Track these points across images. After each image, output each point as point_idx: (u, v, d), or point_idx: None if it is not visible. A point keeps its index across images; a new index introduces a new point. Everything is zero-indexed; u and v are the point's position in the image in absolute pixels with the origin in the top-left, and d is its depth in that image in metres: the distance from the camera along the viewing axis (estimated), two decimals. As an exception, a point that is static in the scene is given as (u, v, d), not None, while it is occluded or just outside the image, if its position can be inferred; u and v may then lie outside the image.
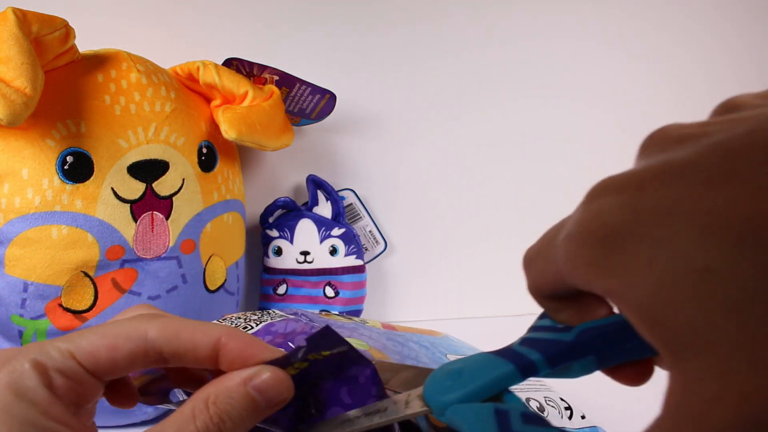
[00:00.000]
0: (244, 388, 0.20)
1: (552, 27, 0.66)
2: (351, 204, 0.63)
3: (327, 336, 0.20)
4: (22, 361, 0.19)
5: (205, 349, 0.20)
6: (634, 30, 0.68)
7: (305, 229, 0.57)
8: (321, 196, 0.58)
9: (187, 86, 0.48)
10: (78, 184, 0.39)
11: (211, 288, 0.47)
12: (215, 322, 0.22)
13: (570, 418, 0.39)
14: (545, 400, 0.39)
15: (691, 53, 0.70)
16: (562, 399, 0.40)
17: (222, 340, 0.20)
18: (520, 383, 0.31)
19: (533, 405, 0.37)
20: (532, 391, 0.39)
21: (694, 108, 0.73)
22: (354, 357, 0.21)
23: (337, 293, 0.57)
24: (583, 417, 0.40)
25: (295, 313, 0.36)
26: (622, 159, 0.78)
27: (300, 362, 0.21)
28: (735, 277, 0.11)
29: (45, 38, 0.37)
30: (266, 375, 0.20)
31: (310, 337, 0.20)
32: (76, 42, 0.41)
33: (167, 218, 0.43)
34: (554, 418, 0.38)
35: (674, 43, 0.70)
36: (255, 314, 0.35)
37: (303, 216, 0.57)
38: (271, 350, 0.21)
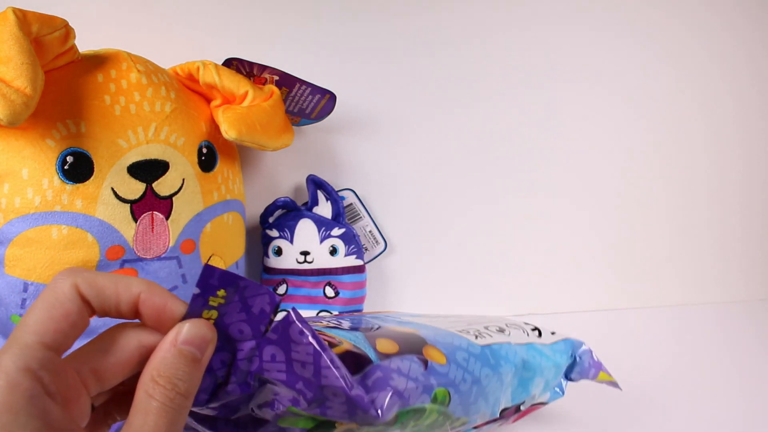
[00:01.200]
0: (175, 348, 0.21)
1: (554, 20, 0.66)
2: (351, 204, 0.63)
3: (211, 274, 0.22)
4: (8, 366, 0.19)
5: (126, 303, 0.22)
6: (637, 17, 0.68)
7: (305, 229, 0.57)
8: (321, 196, 0.58)
9: (187, 86, 0.48)
10: (78, 184, 0.39)
11: (211, 288, 0.47)
12: (138, 278, 0.23)
13: (539, 336, 0.39)
14: (506, 324, 0.39)
15: (698, 39, 0.70)
16: (526, 323, 0.40)
17: (141, 296, 0.22)
18: (483, 319, 0.33)
19: (492, 328, 0.37)
20: (493, 322, 0.39)
21: (714, 113, 0.73)
22: (253, 288, 0.23)
23: (337, 293, 0.57)
24: (553, 333, 0.40)
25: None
26: (632, 158, 0.78)
27: (207, 311, 0.22)
28: None
29: (45, 38, 0.37)
30: (186, 327, 0.21)
31: (198, 280, 0.22)
32: (76, 42, 0.41)
33: (167, 218, 0.43)
34: (517, 336, 0.37)
35: (681, 29, 0.69)
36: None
37: (303, 216, 0.57)
38: (183, 303, 0.22)
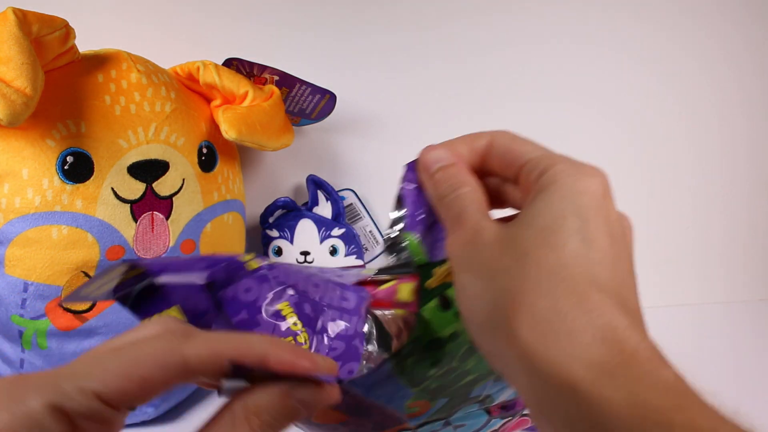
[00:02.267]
0: (289, 401, 0.19)
1: (554, 30, 0.66)
2: (351, 204, 0.63)
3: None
4: (33, 401, 0.16)
5: (251, 366, 0.19)
6: (641, 35, 0.68)
7: (305, 229, 0.57)
8: (321, 196, 0.58)
9: (187, 86, 0.48)
10: (78, 184, 0.39)
11: (211, 288, 0.47)
12: (259, 334, 0.20)
13: None
14: None
15: (694, 57, 0.70)
16: None
17: (269, 358, 0.19)
18: None
19: None
20: None
21: (695, 110, 0.73)
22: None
23: (337, 293, 0.57)
24: None
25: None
26: (621, 162, 0.78)
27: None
28: None
29: (45, 38, 0.37)
30: (305, 391, 0.19)
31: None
32: (76, 42, 0.41)
33: (167, 218, 0.43)
34: None
35: (676, 46, 0.70)
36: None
37: (303, 216, 0.57)
38: (317, 361, 0.19)
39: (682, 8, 0.69)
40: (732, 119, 0.73)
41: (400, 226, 0.25)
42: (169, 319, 0.20)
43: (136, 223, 0.41)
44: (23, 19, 0.35)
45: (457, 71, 0.64)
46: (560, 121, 0.68)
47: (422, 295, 0.26)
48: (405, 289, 0.28)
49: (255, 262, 0.28)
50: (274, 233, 0.58)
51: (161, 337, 0.18)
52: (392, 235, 0.26)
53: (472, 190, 0.23)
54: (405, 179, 0.26)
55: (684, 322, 0.71)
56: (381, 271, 0.27)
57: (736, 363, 0.59)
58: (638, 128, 0.71)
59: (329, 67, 0.61)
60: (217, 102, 0.48)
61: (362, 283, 0.29)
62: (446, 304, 0.26)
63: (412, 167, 0.26)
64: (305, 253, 0.57)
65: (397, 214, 0.26)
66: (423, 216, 0.26)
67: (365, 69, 0.62)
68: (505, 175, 0.24)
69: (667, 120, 0.72)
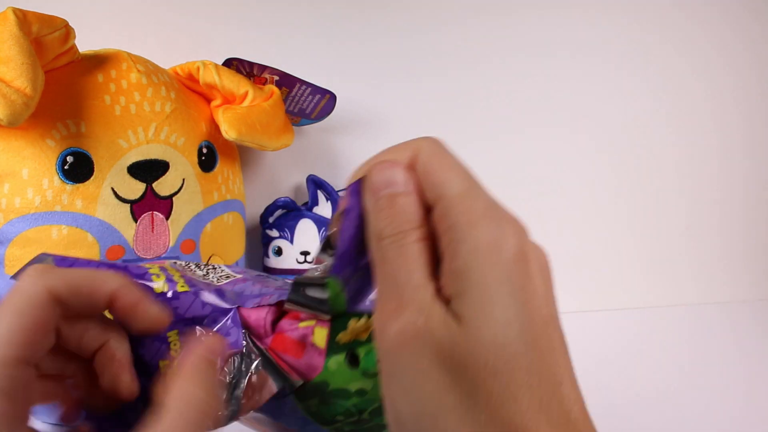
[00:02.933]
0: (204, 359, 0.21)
1: (555, 39, 0.66)
2: (351, 204, 0.63)
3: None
4: None
5: (102, 299, 0.21)
6: (639, 38, 0.68)
7: (305, 229, 0.57)
8: (321, 196, 0.58)
9: (187, 86, 0.48)
10: (78, 184, 0.39)
11: (211, 288, 0.47)
12: (112, 273, 0.22)
13: None
14: None
15: (690, 57, 0.71)
16: None
17: (118, 292, 0.21)
18: None
19: None
20: None
21: (693, 111, 0.73)
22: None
23: (337, 293, 0.57)
24: None
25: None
26: (619, 163, 0.78)
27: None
28: None
29: (45, 38, 0.37)
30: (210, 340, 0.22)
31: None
32: (76, 42, 0.41)
33: (167, 218, 0.43)
34: None
35: (673, 47, 0.70)
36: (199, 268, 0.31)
37: (303, 216, 0.57)
38: (157, 307, 0.22)
39: (679, 10, 0.69)
40: (729, 119, 0.74)
41: (326, 263, 0.22)
42: (31, 267, 0.21)
43: (136, 223, 0.41)
44: (23, 19, 0.35)
45: (457, 72, 0.64)
46: (560, 122, 0.68)
47: (331, 346, 0.24)
48: (319, 334, 0.25)
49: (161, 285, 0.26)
50: (274, 233, 0.58)
51: (30, 284, 0.20)
52: (313, 274, 0.22)
53: (420, 245, 0.19)
54: (348, 201, 0.21)
55: (684, 322, 0.71)
56: (297, 301, 0.23)
57: (737, 363, 0.59)
58: (635, 129, 0.71)
59: (329, 67, 0.61)
60: (217, 102, 0.48)
61: (280, 307, 0.26)
62: (354, 361, 0.25)
63: (357, 188, 0.21)
64: (305, 253, 0.57)
65: (323, 248, 0.22)
66: (353, 251, 0.21)
67: (365, 69, 0.62)
68: (422, 197, 0.20)
69: (666, 120, 0.72)
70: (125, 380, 0.22)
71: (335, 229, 0.21)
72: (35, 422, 0.21)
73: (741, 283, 0.78)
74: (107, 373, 0.22)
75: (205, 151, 0.46)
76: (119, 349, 0.22)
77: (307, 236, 0.57)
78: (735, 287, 0.78)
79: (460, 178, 0.19)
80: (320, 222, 0.57)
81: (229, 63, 0.50)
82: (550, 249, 0.76)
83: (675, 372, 0.56)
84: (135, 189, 0.41)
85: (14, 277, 0.21)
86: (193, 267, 0.29)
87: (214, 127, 0.47)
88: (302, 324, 0.25)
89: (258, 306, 0.25)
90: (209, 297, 0.26)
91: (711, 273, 0.77)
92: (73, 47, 0.41)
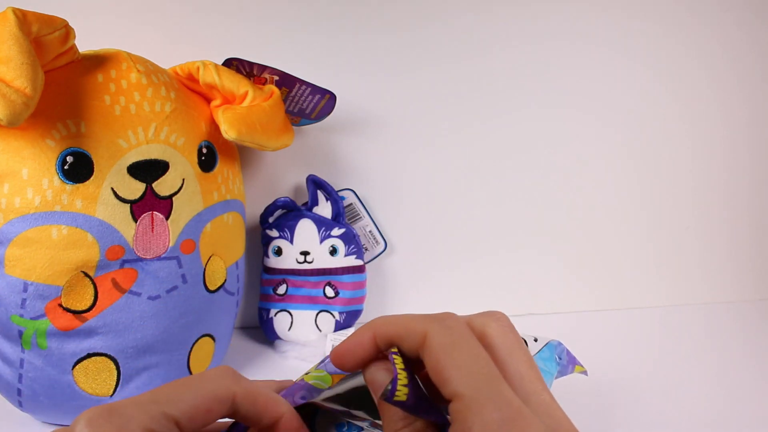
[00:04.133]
0: None
1: (556, 31, 0.66)
2: (351, 204, 0.63)
3: None
4: (134, 427, 0.19)
5: (270, 419, 0.23)
6: (643, 35, 0.68)
7: (305, 229, 0.57)
8: (321, 196, 0.58)
9: (187, 86, 0.48)
10: (78, 184, 0.39)
11: (211, 288, 0.47)
12: (282, 398, 0.25)
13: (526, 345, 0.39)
14: None
15: (694, 55, 0.70)
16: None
17: (284, 416, 0.23)
18: None
19: None
20: None
21: (697, 109, 0.73)
22: None
23: (337, 293, 0.57)
24: (535, 340, 0.41)
25: None
26: (623, 162, 0.78)
27: None
28: None
29: (45, 38, 0.37)
30: None
31: None
32: (76, 42, 0.41)
33: (167, 218, 0.43)
34: None
35: (677, 45, 0.70)
36: None
37: (303, 216, 0.57)
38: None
39: (684, 7, 0.69)
40: (734, 118, 0.73)
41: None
42: (227, 367, 0.24)
43: (136, 223, 0.41)
44: (23, 19, 0.35)
45: (458, 72, 0.64)
46: (561, 120, 0.68)
47: None
48: None
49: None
50: (274, 233, 0.58)
51: (221, 377, 0.23)
52: None
53: None
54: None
55: (688, 322, 0.71)
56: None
57: (741, 362, 0.59)
58: (640, 128, 0.71)
59: (329, 67, 0.61)
60: (217, 102, 0.48)
61: None
62: None
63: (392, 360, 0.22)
64: (305, 253, 0.57)
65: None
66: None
67: (365, 69, 0.62)
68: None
69: (669, 119, 0.72)
70: None
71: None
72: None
73: (745, 282, 0.78)
74: None
75: (205, 151, 0.46)
76: (291, 424, 0.24)
77: (306, 236, 0.57)
78: (741, 287, 0.78)
79: (472, 378, 0.19)
80: (320, 222, 0.57)
81: (229, 63, 0.50)
82: (547, 249, 0.76)
83: (682, 371, 0.56)
84: (135, 189, 0.41)
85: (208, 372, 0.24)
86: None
87: (214, 127, 0.47)
88: None
89: None
90: None
91: (715, 273, 0.77)
92: (73, 47, 0.41)
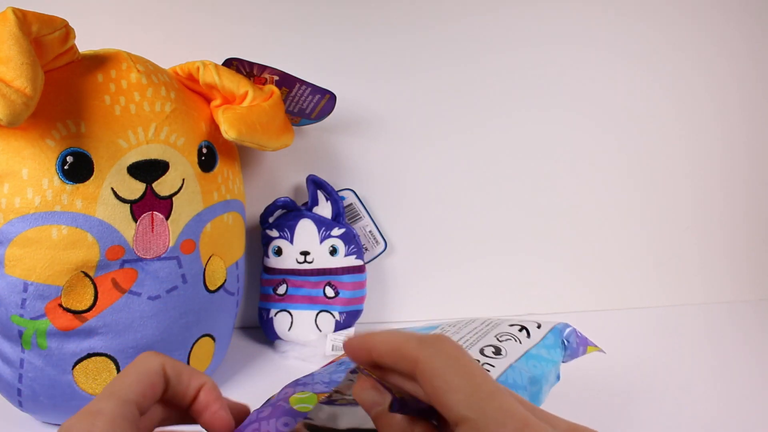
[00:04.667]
0: None
1: (557, 34, 0.66)
2: (351, 204, 0.63)
3: None
4: (114, 413, 0.22)
5: (192, 390, 0.26)
6: (640, 36, 0.68)
7: (305, 229, 0.57)
8: (321, 196, 0.58)
9: (187, 86, 0.48)
10: (78, 184, 0.39)
11: (211, 288, 0.47)
12: (202, 372, 0.28)
13: (528, 335, 0.39)
14: (497, 338, 0.39)
15: (692, 56, 0.71)
16: (511, 325, 0.40)
17: (204, 387, 0.27)
18: (471, 332, 0.33)
19: (488, 351, 0.37)
20: (482, 336, 0.39)
21: (694, 110, 0.73)
22: None
23: (337, 293, 0.57)
24: (539, 326, 0.40)
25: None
26: (622, 163, 0.78)
27: None
28: None
29: (45, 38, 0.37)
30: None
31: None
32: (76, 42, 0.41)
33: (167, 218, 0.43)
34: (513, 350, 0.38)
35: (675, 46, 0.70)
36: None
37: (303, 216, 0.57)
38: (225, 413, 0.27)
39: (681, 8, 0.69)
40: (731, 118, 0.74)
41: None
42: (148, 351, 0.27)
43: (136, 223, 0.41)
44: (23, 19, 0.35)
45: (458, 72, 0.64)
46: (560, 122, 0.68)
47: None
48: None
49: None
50: (274, 233, 0.58)
51: (148, 356, 0.26)
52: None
53: None
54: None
55: (687, 322, 0.71)
56: None
57: (739, 362, 0.59)
58: (639, 129, 0.71)
59: (329, 67, 0.61)
60: (217, 102, 0.48)
61: None
62: None
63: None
64: (305, 253, 0.57)
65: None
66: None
67: (365, 69, 0.62)
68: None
69: (668, 121, 0.72)
70: (222, 416, 0.26)
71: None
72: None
73: (745, 282, 0.78)
74: (205, 415, 0.27)
75: (205, 151, 0.46)
76: (212, 392, 0.27)
77: (306, 236, 0.57)
78: (739, 287, 0.78)
79: (473, 399, 0.20)
80: (320, 222, 0.57)
81: (229, 63, 0.50)
82: (547, 250, 0.76)
83: (681, 371, 0.56)
84: (135, 189, 0.41)
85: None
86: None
87: (214, 127, 0.47)
88: None
89: None
90: None
91: (713, 273, 0.77)
92: (73, 47, 0.41)
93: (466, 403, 0.19)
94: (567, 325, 0.41)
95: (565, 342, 0.40)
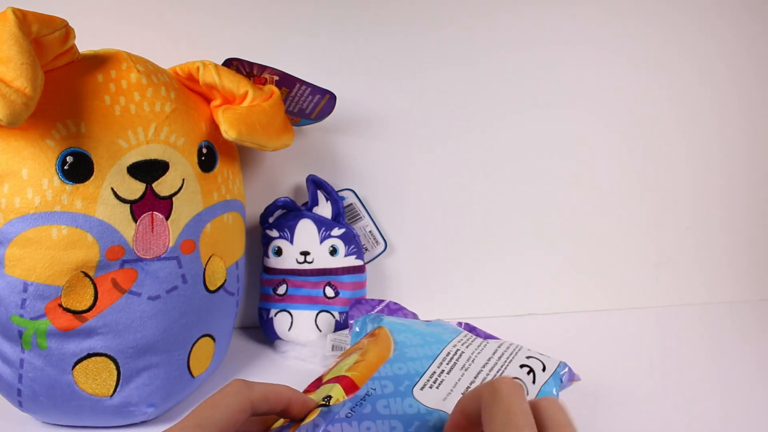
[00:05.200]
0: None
1: (557, 34, 0.66)
2: (351, 204, 0.63)
3: None
4: None
5: (282, 407, 0.30)
6: (639, 37, 0.68)
7: (305, 229, 0.57)
8: (321, 196, 0.58)
9: (187, 86, 0.48)
10: (78, 185, 0.39)
11: (211, 288, 0.47)
12: (285, 386, 0.31)
13: (534, 381, 0.41)
14: (527, 358, 0.42)
15: (692, 56, 0.71)
16: (521, 366, 0.42)
17: (291, 401, 0.31)
18: (483, 369, 0.40)
19: (524, 370, 0.41)
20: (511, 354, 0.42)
21: (694, 110, 0.73)
22: None
23: (337, 293, 0.57)
24: (543, 369, 0.42)
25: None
26: (622, 163, 0.78)
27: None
28: None
29: (45, 38, 0.37)
30: None
31: None
32: (76, 42, 0.41)
33: (167, 218, 0.43)
34: (538, 374, 0.41)
35: (674, 46, 0.70)
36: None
37: (303, 216, 0.57)
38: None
39: (680, 8, 0.69)
40: (730, 118, 0.74)
41: None
42: (238, 380, 0.30)
43: (136, 223, 0.41)
44: (23, 19, 0.35)
45: (457, 72, 0.64)
46: (560, 122, 0.68)
47: None
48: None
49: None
50: (274, 233, 0.58)
51: (238, 391, 0.29)
52: None
53: None
54: None
55: (687, 322, 0.71)
56: None
57: (739, 362, 0.59)
58: (640, 129, 0.71)
59: (329, 67, 0.61)
60: (217, 102, 0.48)
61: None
62: None
63: None
64: (305, 253, 0.57)
65: None
66: None
67: (365, 69, 0.62)
68: None
69: (668, 121, 0.72)
70: None
71: None
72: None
73: (745, 282, 0.78)
74: None
75: (205, 151, 0.46)
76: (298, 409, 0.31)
77: (306, 236, 0.57)
78: (739, 287, 0.78)
79: None
80: (320, 222, 0.57)
81: (229, 63, 0.50)
82: (547, 250, 0.76)
83: (680, 371, 0.56)
84: (135, 189, 0.41)
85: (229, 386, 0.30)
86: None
87: (214, 127, 0.47)
88: None
89: None
90: None
91: (716, 273, 0.77)
92: (73, 47, 0.41)
93: None
94: (564, 365, 0.44)
95: (561, 380, 0.43)
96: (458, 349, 0.41)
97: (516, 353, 0.43)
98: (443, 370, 0.38)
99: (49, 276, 0.39)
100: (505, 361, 0.41)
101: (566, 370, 0.43)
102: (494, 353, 0.42)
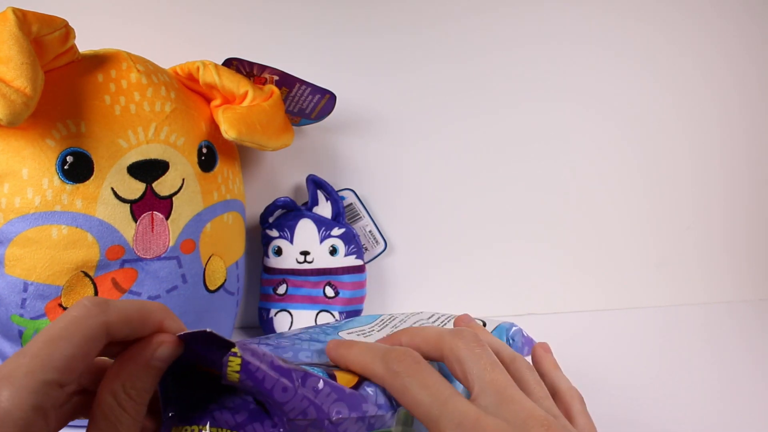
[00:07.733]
0: (150, 365, 0.23)
1: (555, 32, 0.66)
2: (351, 204, 0.63)
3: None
4: (16, 408, 0.18)
5: (150, 330, 0.23)
6: (639, 36, 0.68)
7: (305, 229, 0.57)
8: (321, 196, 0.58)
9: (187, 86, 0.48)
10: (78, 184, 0.39)
11: (211, 288, 0.47)
12: (155, 303, 0.24)
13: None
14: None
15: (692, 56, 0.71)
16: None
17: (164, 324, 0.23)
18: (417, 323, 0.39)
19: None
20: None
21: (695, 110, 0.73)
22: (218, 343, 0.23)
23: (337, 293, 0.57)
24: (484, 324, 0.41)
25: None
26: (622, 163, 0.78)
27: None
28: None
29: (45, 38, 0.37)
30: (162, 348, 0.23)
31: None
32: (76, 42, 0.41)
33: (167, 218, 0.43)
34: None
35: (675, 46, 0.70)
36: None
37: (303, 216, 0.58)
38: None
39: (681, 10, 0.69)
40: (731, 118, 0.74)
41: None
42: (89, 298, 0.22)
43: (136, 222, 0.41)
44: (23, 19, 0.35)
45: (457, 71, 0.64)
46: (560, 121, 0.68)
47: None
48: None
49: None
50: (274, 233, 0.58)
51: (87, 315, 0.21)
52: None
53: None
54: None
55: (688, 322, 0.71)
56: None
57: (739, 362, 0.59)
58: (640, 129, 0.71)
59: (329, 67, 0.61)
60: (217, 102, 0.48)
61: None
62: None
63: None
64: (305, 253, 0.57)
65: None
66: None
67: (365, 69, 0.62)
68: None
69: (669, 120, 0.72)
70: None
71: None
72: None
73: (746, 282, 0.78)
74: None
75: (204, 151, 0.46)
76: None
77: (306, 236, 0.57)
78: (740, 287, 0.78)
79: (430, 410, 0.25)
80: (320, 222, 0.57)
81: (229, 63, 0.50)
82: (547, 250, 0.76)
83: (681, 371, 0.56)
84: (135, 189, 0.41)
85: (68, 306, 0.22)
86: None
87: (214, 127, 0.47)
88: None
89: None
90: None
91: (716, 273, 0.77)
92: (73, 47, 0.41)
93: (429, 412, 0.24)
94: (513, 325, 0.42)
95: (510, 340, 0.40)
96: (393, 316, 0.40)
97: (452, 318, 0.41)
98: (374, 330, 0.36)
99: (49, 276, 0.39)
100: (441, 324, 0.40)
101: (516, 329, 0.41)
102: (430, 318, 0.41)
